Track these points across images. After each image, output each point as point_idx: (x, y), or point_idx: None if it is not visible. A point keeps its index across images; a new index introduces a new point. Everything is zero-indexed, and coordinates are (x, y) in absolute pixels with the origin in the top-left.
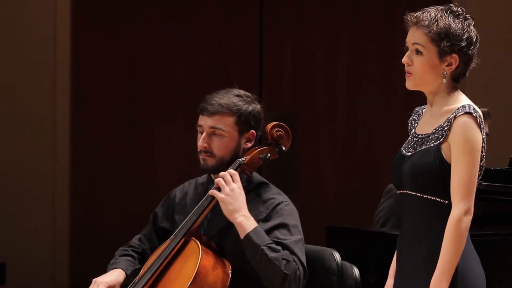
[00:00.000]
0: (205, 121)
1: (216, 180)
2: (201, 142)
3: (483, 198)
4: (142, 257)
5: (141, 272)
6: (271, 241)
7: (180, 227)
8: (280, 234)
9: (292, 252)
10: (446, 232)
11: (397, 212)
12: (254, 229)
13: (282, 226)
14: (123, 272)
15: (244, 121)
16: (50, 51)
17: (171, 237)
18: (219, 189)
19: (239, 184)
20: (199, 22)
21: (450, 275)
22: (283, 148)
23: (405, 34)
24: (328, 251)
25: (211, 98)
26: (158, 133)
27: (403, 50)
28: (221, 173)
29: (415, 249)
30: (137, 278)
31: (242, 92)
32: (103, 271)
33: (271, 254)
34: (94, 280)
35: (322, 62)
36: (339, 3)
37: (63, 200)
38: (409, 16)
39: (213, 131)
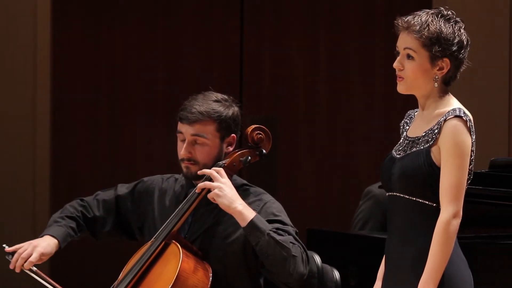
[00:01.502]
0: (186, 129)
1: (200, 184)
2: (183, 151)
3: (464, 201)
4: (88, 224)
5: (121, 275)
6: (274, 228)
7: (160, 230)
8: (277, 224)
9: (295, 238)
10: (434, 235)
11: (376, 215)
12: (256, 216)
13: (276, 221)
14: (56, 244)
15: (225, 127)
16: (30, 55)
17: (151, 240)
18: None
19: (226, 178)
20: (179, 27)
21: (438, 278)
22: (264, 151)
23: (384, 36)
24: (308, 254)
25: (190, 105)
26: (139, 136)
27: (394, 54)
28: (207, 170)
29: (403, 252)
30: (116, 282)
31: (219, 96)
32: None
33: (279, 237)
34: (30, 243)
35: (302, 65)
36: (319, 6)
37: (43, 203)
38: (400, 20)
39: (195, 139)
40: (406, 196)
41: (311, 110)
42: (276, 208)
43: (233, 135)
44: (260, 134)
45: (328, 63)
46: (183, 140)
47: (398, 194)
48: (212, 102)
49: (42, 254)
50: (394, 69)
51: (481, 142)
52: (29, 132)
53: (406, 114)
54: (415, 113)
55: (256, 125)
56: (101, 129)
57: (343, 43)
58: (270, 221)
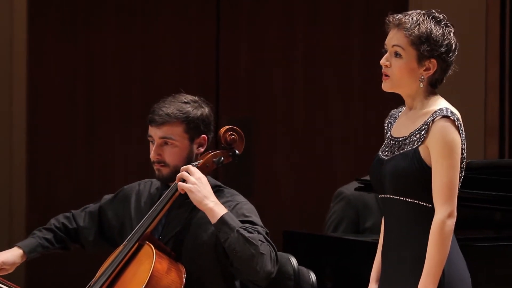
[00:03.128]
0: (154, 132)
1: (178, 175)
2: (153, 153)
3: None
4: (69, 235)
5: (96, 277)
6: (244, 226)
7: (134, 231)
8: (248, 224)
9: (265, 238)
10: (430, 236)
11: (349, 216)
12: (227, 213)
13: (247, 221)
14: (20, 255)
15: (193, 127)
16: (7, 57)
17: (125, 242)
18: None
19: (202, 174)
20: (155, 28)
21: (437, 278)
22: (237, 151)
23: (362, 36)
24: (285, 256)
25: (158, 108)
26: (116, 139)
27: (381, 52)
28: (182, 167)
29: (400, 254)
30: (92, 282)
31: (189, 97)
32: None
33: (248, 234)
34: None
35: (279, 65)
36: (296, 8)
37: (19, 204)
38: (391, 17)
39: (164, 141)
40: (400, 198)
41: (289, 111)
42: (247, 209)
43: (203, 135)
44: (233, 134)
45: (305, 63)
46: (153, 143)
47: (391, 196)
48: (180, 103)
49: (2, 263)
50: (373, 69)
51: None
52: (5, 134)
53: (390, 114)
54: (399, 113)
55: (228, 126)
56: (78, 132)
57: (320, 43)
58: (240, 222)
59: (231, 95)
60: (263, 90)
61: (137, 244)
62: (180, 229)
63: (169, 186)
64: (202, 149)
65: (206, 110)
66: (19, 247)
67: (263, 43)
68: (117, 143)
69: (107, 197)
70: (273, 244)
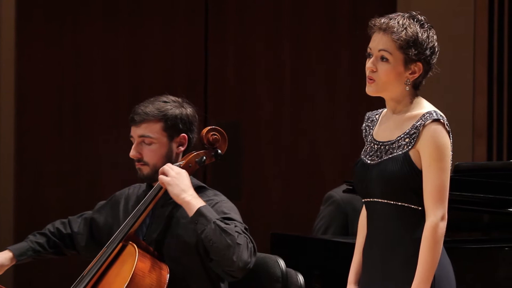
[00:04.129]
0: (134, 131)
1: (160, 169)
2: (132, 151)
3: None
4: (63, 240)
5: (80, 277)
6: (221, 217)
7: (117, 231)
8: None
9: (242, 230)
10: (423, 239)
11: (338, 219)
12: (205, 206)
13: (226, 218)
14: (9, 258)
15: (171, 126)
16: None
17: (108, 242)
18: None
19: (183, 170)
20: (142, 31)
21: (430, 281)
22: (219, 151)
23: (348, 40)
24: (273, 258)
25: (138, 107)
26: (103, 141)
27: (365, 55)
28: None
29: (388, 257)
30: (76, 282)
31: (170, 97)
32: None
33: (224, 225)
34: None
35: (267, 69)
36: (283, 11)
37: (7, 206)
38: (376, 21)
39: (142, 139)
40: (389, 202)
41: (276, 114)
42: (227, 207)
43: (183, 135)
44: (215, 134)
45: (292, 67)
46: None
47: (378, 200)
48: (159, 102)
49: None
50: (358, 73)
51: None
52: None
53: (366, 117)
54: (376, 115)
55: (211, 126)
56: (65, 134)
57: (307, 48)
58: (219, 218)
59: (219, 98)
60: (250, 94)
61: (120, 244)
62: (163, 228)
63: (153, 187)
64: (182, 149)
65: (187, 110)
66: (10, 250)
67: (250, 47)
68: (105, 146)
69: (101, 203)
70: (251, 237)
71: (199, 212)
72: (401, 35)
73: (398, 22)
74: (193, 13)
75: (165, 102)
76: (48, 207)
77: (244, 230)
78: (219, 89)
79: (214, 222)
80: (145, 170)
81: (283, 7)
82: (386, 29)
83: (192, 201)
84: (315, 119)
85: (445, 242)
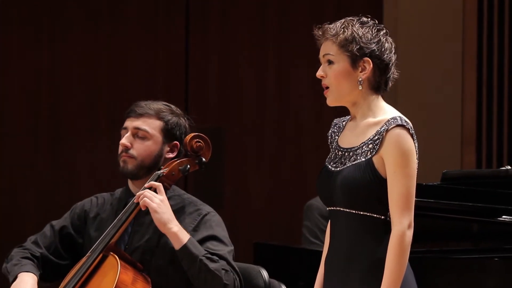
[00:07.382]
0: (130, 122)
1: (139, 193)
2: (124, 139)
3: (416, 214)
4: (40, 262)
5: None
6: (207, 252)
7: (97, 242)
8: (212, 245)
9: (228, 263)
10: (390, 248)
11: (321, 226)
12: (190, 240)
13: (213, 238)
14: (36, 278)
15: (170, 129)
16: None
17: (88, 253)
18: None
19: (164, 196)
20: (123, 36)
21: None
22: (203, 159)
23: None
24: (256, 269)
25: (140, 102)
26: (81, 147)
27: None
28: (145, 185)
29: (349, 268)
30: None
31: (172, 105)
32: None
33: (211, 265)
34: None
35: (250, 74)
36: (267, 16)
37: None
38: (316, 30)
39: (137, 132)
40: (351, 211)
41: (259, 120)
42: (216, 221)
43: (176, 142)
44: (199, 142)
45: (276, 72)
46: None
47: (341, 208)
48: (163, 104)
49: None
50: None
51: (433, 154)
52: None
53: (333, 124)
54: (343, 122)
55: (195, 133)
56: (43, 140)
57: (291, 52)
58: (206, 238)
59: (201, 104)
60: (233, 99)
61: (101, 255)
62: (148, 238)
63: (133, 194)
64: (171, 155)
65: (183, 121)
66: (35, 275)
67: (233, 51)
68: (83, 151)
69: (62, 218)
70: (236, 269)
71: (185, 248)
72: (339, 35)
73: (336, 26)
74: (174, 18)
75: (168, 106)
76: (25, 213)
77: (231, 261)
78: (200, 94)
79: (201, 261)
80: (130, 163)
81: (267, 10)
82: (325, 34)
83: (178, 233)
84: (298, 126)
85: (432, 252)
